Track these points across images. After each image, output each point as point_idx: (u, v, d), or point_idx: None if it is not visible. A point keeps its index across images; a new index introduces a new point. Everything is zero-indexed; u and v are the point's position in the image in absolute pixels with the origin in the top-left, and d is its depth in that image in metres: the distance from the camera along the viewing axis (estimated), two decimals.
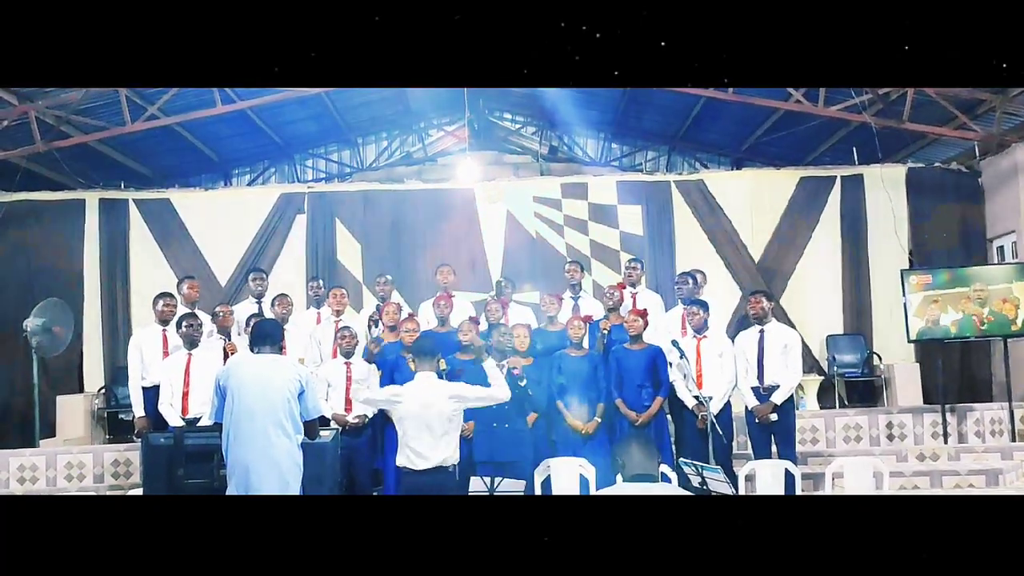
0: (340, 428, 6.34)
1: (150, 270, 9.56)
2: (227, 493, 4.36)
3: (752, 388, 6.64)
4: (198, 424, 5.70)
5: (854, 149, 10.35)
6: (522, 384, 6.20)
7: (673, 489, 3.49)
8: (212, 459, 4.49)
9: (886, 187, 9.81)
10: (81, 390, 9.32)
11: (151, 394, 6.66)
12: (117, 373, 9.14)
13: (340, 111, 12.04)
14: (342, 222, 10.01)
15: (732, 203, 10.06)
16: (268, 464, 4.34)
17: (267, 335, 4.68)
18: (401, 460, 4.97)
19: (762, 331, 6.73)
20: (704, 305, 6.83)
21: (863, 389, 9.73)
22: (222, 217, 9.86)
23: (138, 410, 6.74)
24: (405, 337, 6.57)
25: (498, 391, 5.15)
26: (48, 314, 8.21)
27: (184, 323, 6.55)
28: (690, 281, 7.39)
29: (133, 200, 9.80)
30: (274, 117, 11.57)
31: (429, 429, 4.87)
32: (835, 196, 10.06)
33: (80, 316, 9.41)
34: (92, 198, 9.76)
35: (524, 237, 10.01)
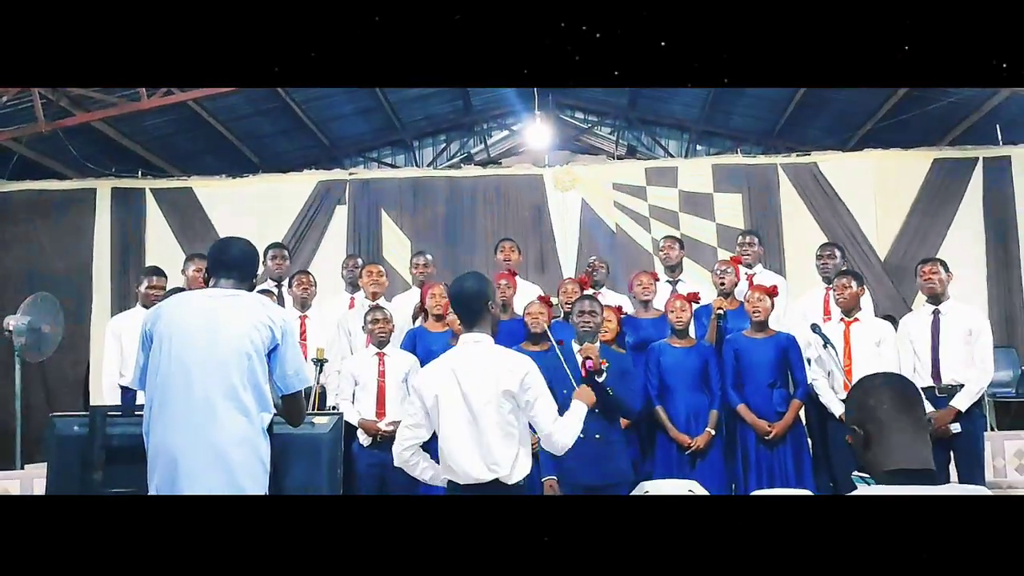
0: (372, 438, 4.91)
1: (168, 268, 8.15)
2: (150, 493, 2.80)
3: (924, 389, 4.84)
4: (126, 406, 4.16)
5: (997, 127, 8.68)
6: (600, 380, 4.27)
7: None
8: (145, 457, 2.83)
9: None
10: (86, 408, 7.95)
11: (132, 396, 5.24)
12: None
13: (393, 104, 10.83)
14: (388, 215, 8.60)
15: (852, 190, 8.43)
16: (208, 455, 2.73)
17: (231, 262, 3.02)
18: (443, 473, 3.18)
19: (937, 312, 5.00)
20: (859, 277, 5.17)
21: (1017, 411, 8.01)
22: (251, 209, 8.42)
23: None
24: (455, 324, 5.05)
25: (568, 424, 3.18)
26: (35, 312, 6.82)
27: None
28: (837, 253, 5.75)
29: (150, 189, 8.48)
30: (320, 112, 10.44)
31: (471, 420, 3.04)
32: (976, 182, 8.39)
33: (87, 322, 8.12)
34: (104, 187, 8.46)
35: (603, 230, 8.52)
